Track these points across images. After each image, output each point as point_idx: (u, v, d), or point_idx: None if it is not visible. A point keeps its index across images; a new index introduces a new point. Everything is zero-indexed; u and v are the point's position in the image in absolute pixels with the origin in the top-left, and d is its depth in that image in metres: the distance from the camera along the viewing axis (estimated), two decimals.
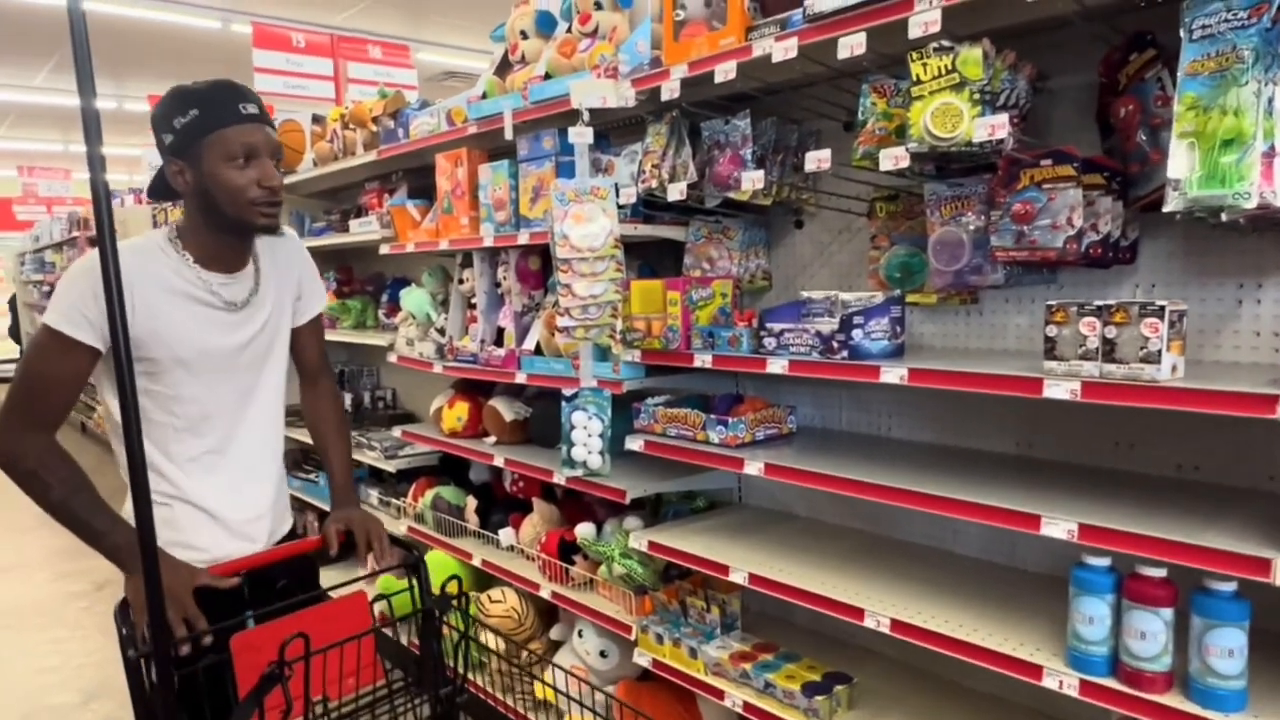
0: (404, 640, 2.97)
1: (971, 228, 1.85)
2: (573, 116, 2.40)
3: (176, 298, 1.63)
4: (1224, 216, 1.42)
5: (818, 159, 1.84)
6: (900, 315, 1.94)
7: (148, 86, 8.88)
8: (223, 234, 1.66)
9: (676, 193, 2.22)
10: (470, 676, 1.64)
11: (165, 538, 1.50)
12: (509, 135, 2.71)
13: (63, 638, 4.37)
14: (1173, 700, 1.43)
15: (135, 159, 12.10)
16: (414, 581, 1.67)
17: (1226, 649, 1.38)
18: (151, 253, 1.64)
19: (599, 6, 2.51)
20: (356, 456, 3.97)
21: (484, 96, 2.87)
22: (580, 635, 2.76)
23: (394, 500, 3.78)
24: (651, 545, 2.39)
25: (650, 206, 2.52)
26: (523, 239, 2.70)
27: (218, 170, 1.58)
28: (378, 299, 4.30)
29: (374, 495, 3.99)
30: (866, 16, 1.70)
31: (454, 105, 3.08)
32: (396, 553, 1.76)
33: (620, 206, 2.37)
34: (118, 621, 1.44)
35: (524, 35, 2.80)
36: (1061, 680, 1.55)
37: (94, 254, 1.58)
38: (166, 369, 1.63)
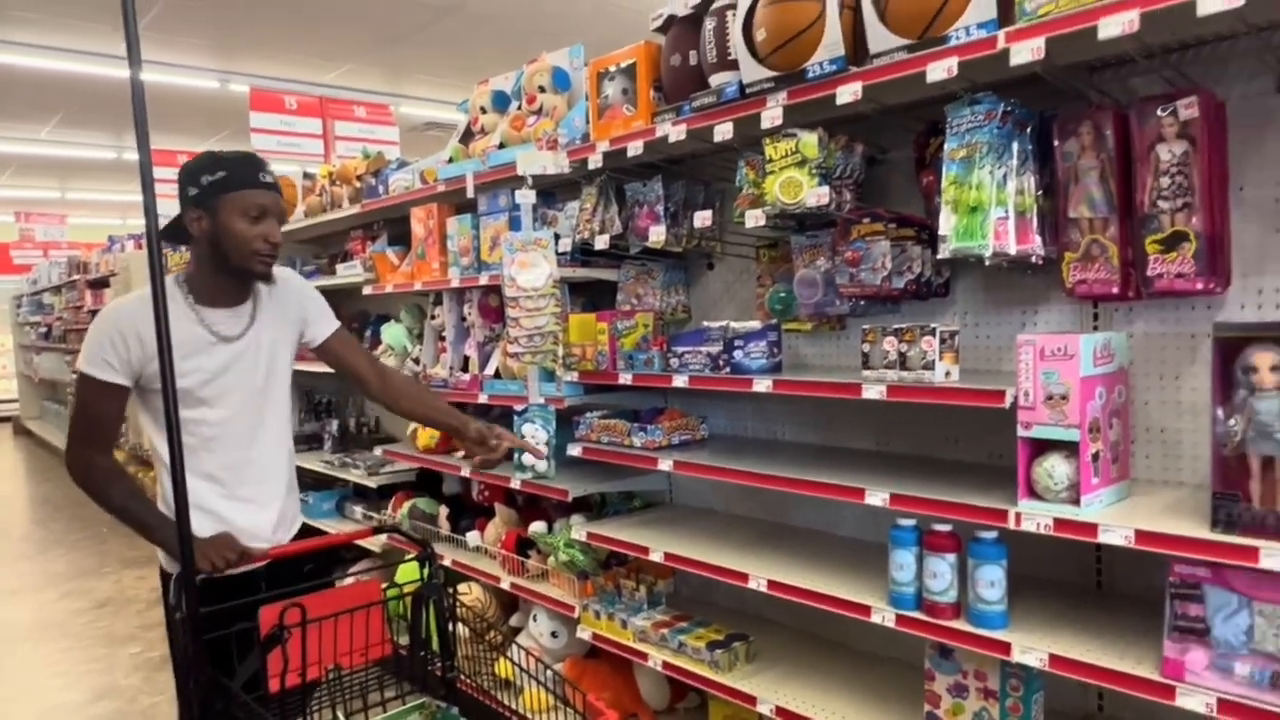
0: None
1: (823, 270, 2.34)
2: (523, 179, 2.90)
3: (176, 337, 1.76)
4: (987, 262, 1.92)
5: (702, 217, 2.34)
6: (777, 339, 2.43)
7: (153, 141, 9.35)
8: (224, 276, 1.94)
9: (603, 242, 2.71)
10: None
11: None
12: (470, 194, 3.21)
13: (70, 647, 4.75)
14: (958, 624, 1.90)
15: (132, 204, 12.54)
16: (424, 570, 1.88)
17: (990, 581, 1.85)
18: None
19: (542, 90, 3.03)
20: (343, 475, 4.41)
21: (450, 160, 3.38)
22: (535, 619, 3.20)
23: (375, 514, 4.22)
24: (590, 535, 2.84)
25: (587, 253, 3.00)
26: (483, 280, 3.19)
27: (231, 222, 1.87)
28: (362, 334, 4.78)
29: (359, 511, 4.42)
30: (732, 111, 2.22)
31: (426, 166, 3.60)
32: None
33: (560, 253, 2.86)
34: (164, 591, 1.83)
35: (483, 110, 3.32)
36: (884, 615, 2.01)
37: (113, 303, 1.92)
38: (180, 397, 1.95)
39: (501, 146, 3.12)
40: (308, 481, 4.80)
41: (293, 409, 2.24)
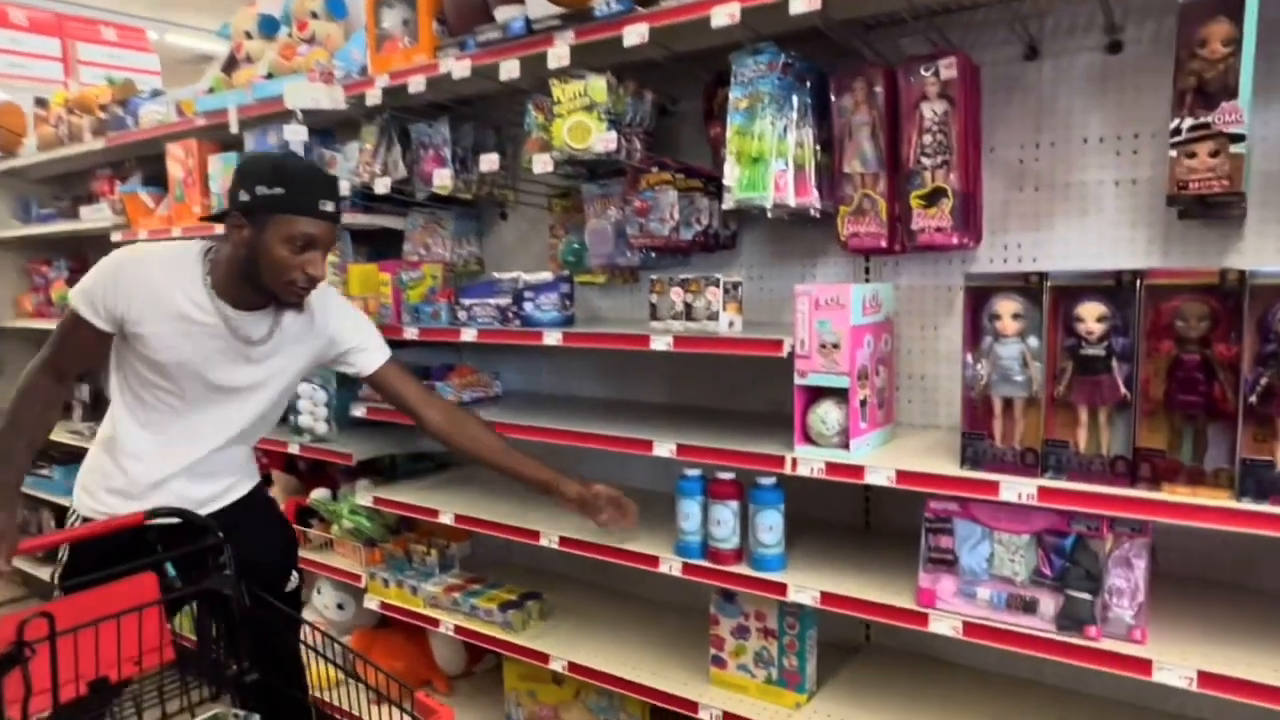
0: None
1: (614, 220, 2.30)
2: (293, 114, 2.62)
3: (186, 312, 1.76)
4: (769, 214, 1.94)
5: (489, 161, 2.21)
6: (569, 291, 2.35)
7: None
8: (249, 287, 1.77)
9: (384, 186, 2.52)
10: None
11: (91, 482, 1.87)
12: (235, 129, 2.87)
13: None
14: (740, 569, 1.94)
15: None
16: (213, 560, 1.67)
17: (769, 526, 1.90)
18: (182, 267, 1.78)
19: (315, 16, 2.75)
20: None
21: (211, 91, 3.01)
22: (319, 592, 2.99)
23: None
24: (376, 500, 2.67)
25: (368, 198, 2.78)
26: None
27: (274, 247, 1.68)
28: None
29: None
30: (518, 48, 2.10)
31: (183, 97, 3.19)
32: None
33: (339, 198, 2.62)
34: None
35: (248, 35, 2.97)
36: (671, 565, 2.02)
37: (132, 253, 1.79)
38: (162, 359, 1.77)
39: (269, 77, 2.81)
40: (54, 455, 4.23)
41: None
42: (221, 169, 3.00)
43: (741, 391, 2.40)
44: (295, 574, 2.10)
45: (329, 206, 1.73)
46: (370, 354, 2.03)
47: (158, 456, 1.86)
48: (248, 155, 1.75)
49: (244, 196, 1.69)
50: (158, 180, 3.53)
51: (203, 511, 1.85)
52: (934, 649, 2.10)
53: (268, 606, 1.55)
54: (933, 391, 2.08)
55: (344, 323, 2.00)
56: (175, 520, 1.75)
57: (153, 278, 1.75)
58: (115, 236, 3.53)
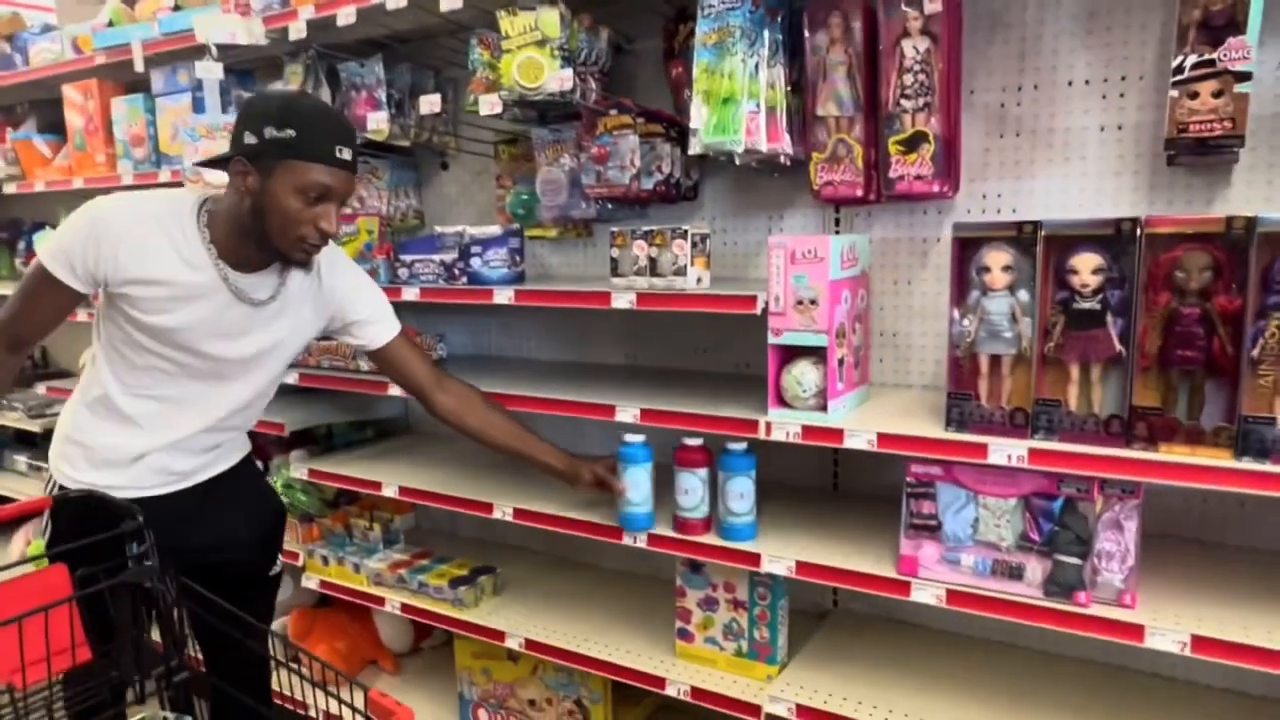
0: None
1: (568, 169, 2.13)
2: (206, 50, 2.36)
3: (180, 271, 1.57)
4: (738, 160, 1.81)
5: (430, 102, 2.02)
6: (519, 246, 2.19)
7: None
8: (253, 244, 1.58)
9: None
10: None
11: (73, 450, 1.69)
12: (140, 68, 2.60)
13: None
14: (709, 539, 1.84)
15: None
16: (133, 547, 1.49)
17: (740, 493, 1.80)
18: (175, 221, 1.58)
19: None
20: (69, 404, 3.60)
21: (110, 24, 2.71)
22: None
23: (44, 465, 3.49)
24: (312, 473, 2.50)
25: None
26: (164, 177, 2.62)
27: (283, 196, 1.49)
28: (13, 246, 3.87)
29: (22, 461, 3.65)
30: None
31: (80, 32, 2.87)
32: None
33: None
34: None
35: None
36: (636, 537, 1.91)
37: (106, 200, 1.56)
38: (152, 321, 1.58)
39: (177, 9, 2.53)
40: None
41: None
42: (127, 113, 2.72)
43: (707, 352, 2.28)
44: (279, 557, 1.93)
45: (346, 154, 1.53)
46: (380, 326, 1.84)
47: (145, 427, 1.67)
48: (254, 94, 1.54)
49: (250, 139, 1.49)
50: (55, 127, 3.21)
51: (185, 485, 1.73)
52: (903, 613, 2.05)
53: (207, 603, 1.38)
54: (905, 349, 1.99)
55: (354, 288, 1.80)
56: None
57: (141, 232, 1.54)
58: (8, 189, 3.21)
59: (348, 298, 1.79)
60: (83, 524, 1.59)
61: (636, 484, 1.85)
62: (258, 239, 1.56)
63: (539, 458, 1.91)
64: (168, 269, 1.55)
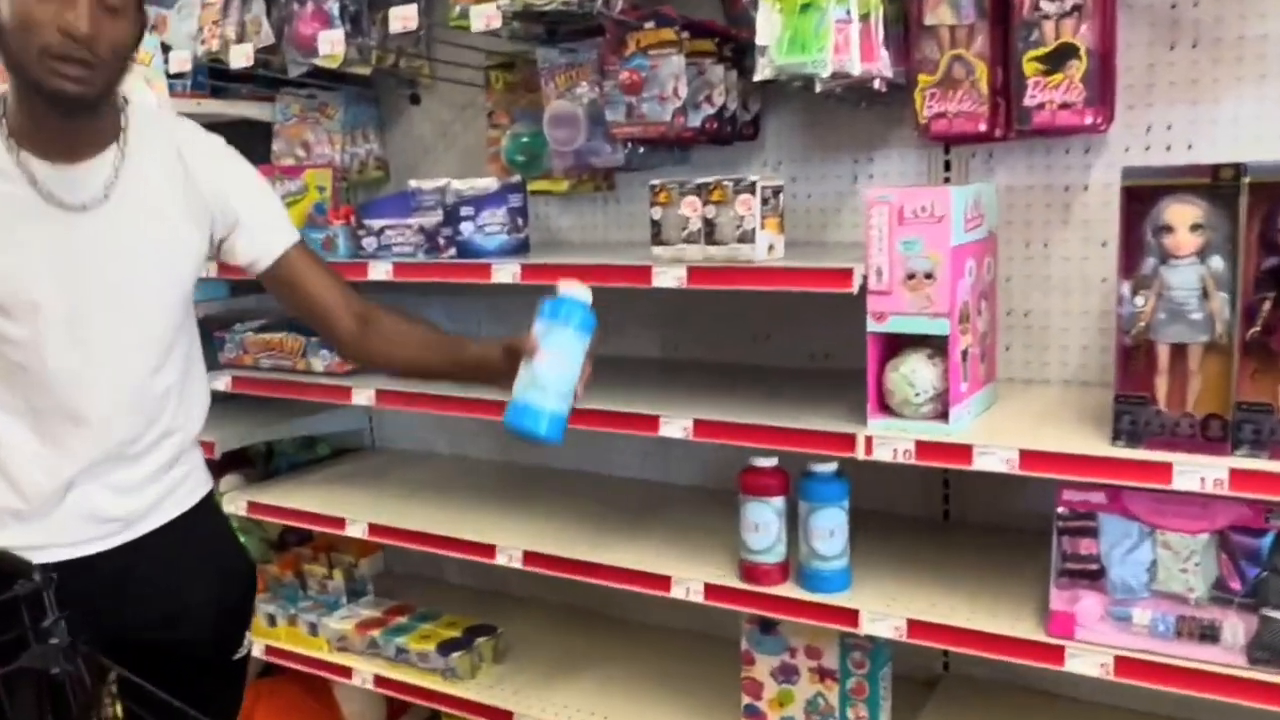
0: None
1: (586, 100, 2.07)
2: None
3: None
4: (818, 86, 1.75)
5: (403, 16, 1.96)
6: (522, 205, 2.14)
7: None
8: (33, 104, 1.46)
9: (242, 57, 2.25)
10: None
11: None
12: None
13: None
14: (787, 590, 1.79)
15: None
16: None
17: (829, 530, 1.75)
18: None
19: None
20: None
21: None
22: None
23: None
24: (251, 506, 2.47)
25: (220, 77, 2.51)
26: None
27: (15, 5, 1.37)
28: None
29: None
30: None
31: None
32: None
33: (173, 76, 2.38)
34: None
35: None
36: (688, 588, 1.87)
37: None
38: None
39: None
40: None
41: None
42: None
43: (770, 339, 2.24)
44: (247, 635, 1.84)
45: None
46: (271, 234, 1.70)
47: (42, 452, 1.58)
48: None
49: None
50: None
51: (126, 537, 1.63)
52: (1038, 679, 2.00)
53: (147, 699, 1.33)
54: (1041, 333, 1.95)
55: (236, 176, 1.69)
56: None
57: None
58: None
59: (228, 189, 1.65)
60: None
61: (557, 359, 1.45)
62: (28, 89, 1.45)
63: (485, 360, 1.63)
64: None
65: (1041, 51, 1.67)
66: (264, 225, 1.69)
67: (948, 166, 1.99)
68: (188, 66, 2.36)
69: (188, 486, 1.75)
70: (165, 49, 2.38)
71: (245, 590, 1.87)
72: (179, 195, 1.61)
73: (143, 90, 2.26)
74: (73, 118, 1.48)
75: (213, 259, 1.73)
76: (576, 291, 1.50)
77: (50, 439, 1.59)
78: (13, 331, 1.52)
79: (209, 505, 1.82)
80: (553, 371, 1.44)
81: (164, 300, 1.62)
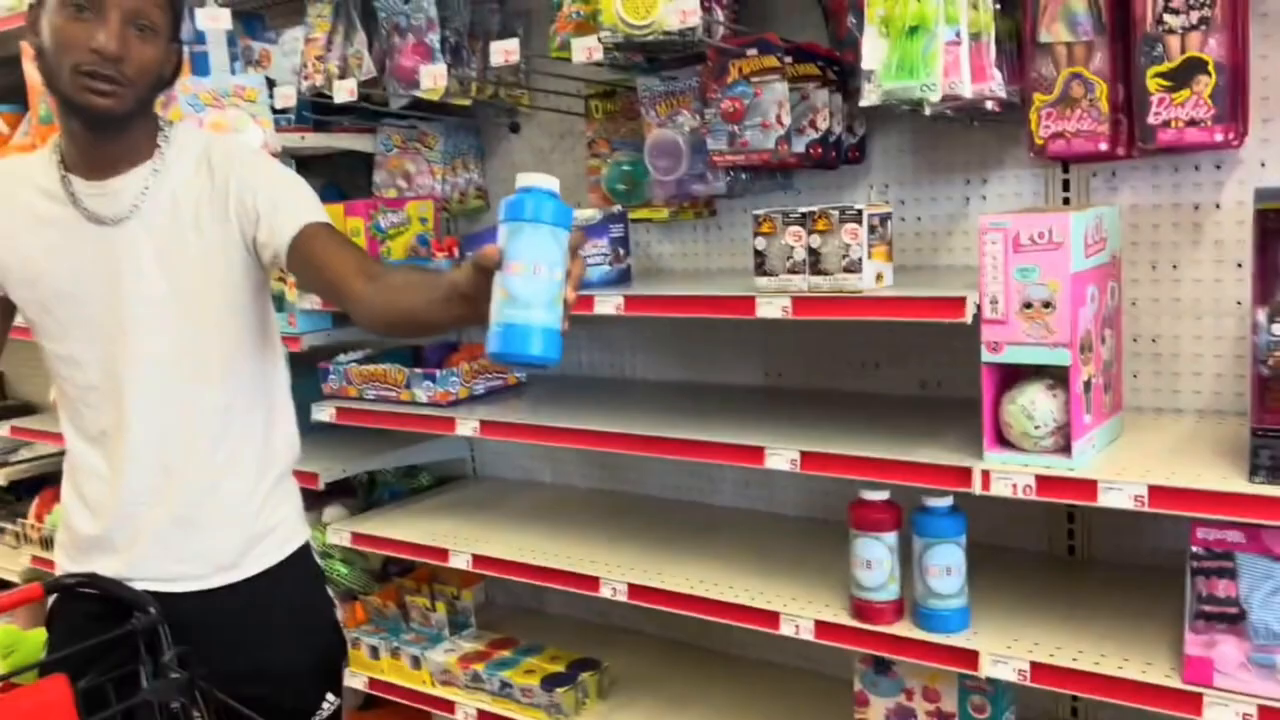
0: None
1: (687, 129, 2.12)
2: None
3: (36, 218, 1.66)
4: (927, 110, 1.76)
5: (504, 50, 2.03)
6: (623, 235, 2.19)
7: None
8: (70, 122, 1.62)
9: (345, 92, 2.34)
10: None
11: (63, 536, 1.78)
12: None
13: None
14: (902, 630, 1.79)
15: None
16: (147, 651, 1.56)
17: (946, 567, 1.75)
18: (31, 165, 1.70)
19: None
20: None
21: None
22: None
23: (9, 525, 3.70)
24: (355, 538, 2.56)
25: (323, 110, 2.62)
26: None
27: (53, 20, 1.53)
28: None
29: None
30: None
31: None
32: None
33: (278, 111, 2.48)
34: None
35: None
36: (797, 625, 1.88)
37: None
38: (35, 316, 1.69)
39: None
40: None
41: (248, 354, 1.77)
42: None
43: (879, 367, 2.24)
44: (332, 695, 1.86)
45: None
46: (287, 214, 1.67)
47: (106, 474, 1.70)
48: None
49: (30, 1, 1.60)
50: (16, 94, 3.37)
51: (222, 580, 1.70)
52: None
53: None
54: (1171, 361, 1.91)
55: (251, 168, 1.72)
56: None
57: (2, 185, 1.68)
58: None
59: (247, 186, 1.68)
60: (85, 621, 1.65)
61: (533, 265, 1.21)
62: (66, 108, 1.58)
63: (455, 286, 1.38)
64: (29, 212, 1.65)
65: (1166, 67, 1.65)
66: (278, 211, 1.67)
67: (1066, 186, 1.97)
68: (292, 102, 2.47)
69: (278, 536, 1.79)
70: (270, 84, 2.49)
71: (336, 647, 1.92)
72: (210, 204, 1.69)
73: (248, 125, 2.39)
74: (103, 132, 1.61)
75: (260, 266, 1.74)
76: (540, 180, 1.28)
77: (111, 458, 1.70)
78: (70, 350, 1.68)
79: (301, 560, 1.84)
80: (531, 281, 1.22)
81: (204, 309, 1.69)
